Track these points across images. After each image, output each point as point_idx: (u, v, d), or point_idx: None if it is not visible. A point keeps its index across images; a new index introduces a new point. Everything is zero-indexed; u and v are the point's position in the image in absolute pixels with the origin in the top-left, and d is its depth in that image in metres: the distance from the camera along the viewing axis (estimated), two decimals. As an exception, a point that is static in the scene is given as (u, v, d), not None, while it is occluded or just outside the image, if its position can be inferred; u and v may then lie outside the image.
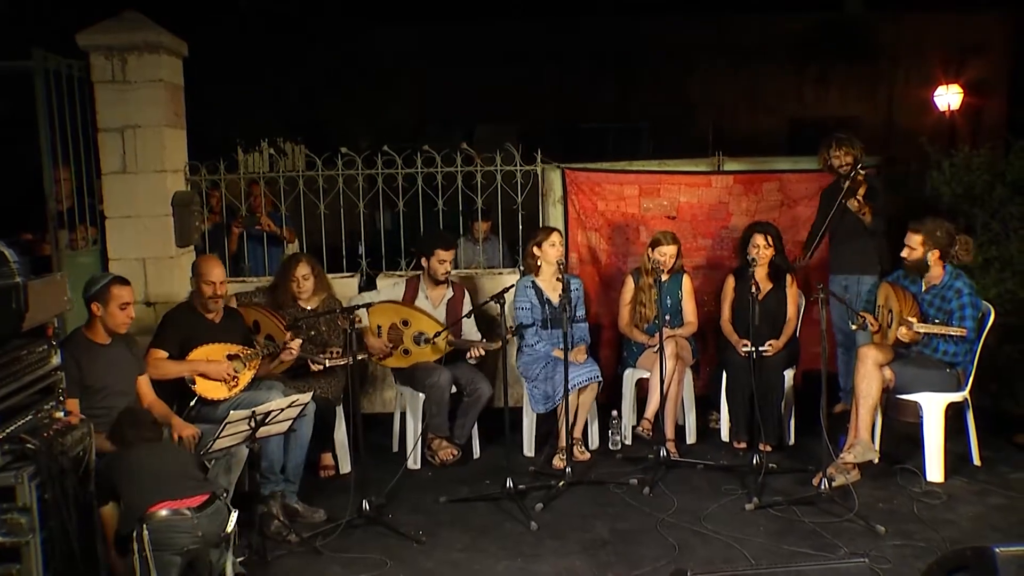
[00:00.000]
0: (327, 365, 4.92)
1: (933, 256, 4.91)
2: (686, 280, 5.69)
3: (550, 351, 5.43)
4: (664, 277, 5.36)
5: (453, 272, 5.67)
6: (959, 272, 4.96)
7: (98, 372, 4.04)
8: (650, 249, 5.56)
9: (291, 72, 13.72)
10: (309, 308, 5.25)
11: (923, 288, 5.00)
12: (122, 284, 4.14)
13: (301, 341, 4.82)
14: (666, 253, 5.46)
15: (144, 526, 3.23)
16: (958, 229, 5.17)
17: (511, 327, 5.24)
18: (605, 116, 15.58)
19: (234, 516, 3.43)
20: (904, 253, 5.01)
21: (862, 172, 5.52)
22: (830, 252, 5.93)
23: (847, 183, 5.51)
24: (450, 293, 5.56)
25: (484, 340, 5.47)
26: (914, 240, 4.95)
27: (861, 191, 5.51)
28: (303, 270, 5.21)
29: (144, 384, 4.31)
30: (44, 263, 5.30)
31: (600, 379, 5.31)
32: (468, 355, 5.31)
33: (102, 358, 4.08)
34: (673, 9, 15.46)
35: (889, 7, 15.63)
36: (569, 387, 5.05)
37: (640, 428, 5.41)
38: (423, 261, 5.50)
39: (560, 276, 5.03)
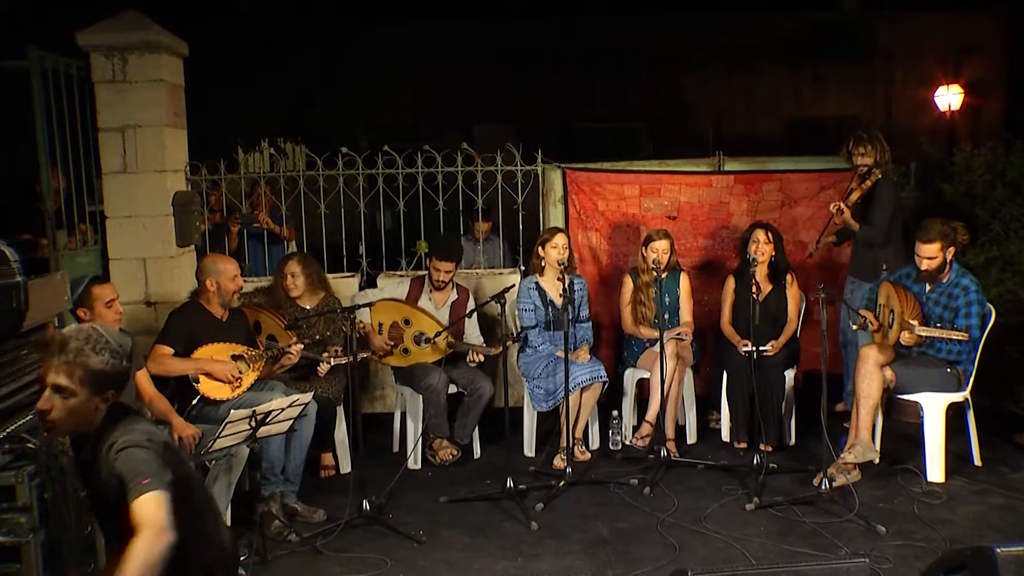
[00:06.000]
0: (332, 364, 4.92)
1: (950, 254, 4.91)
2: (684, 279, 5.67)
3: (553, 351, 5.42)
4: (663, 275, 5.34)
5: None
6: (965, 270, 4.97)
7: None
8: (644, 248, 5.56)
9: (291, 72, 13.73)
10: (308, 308, 5.25)
11: (927, 287, 4.99)
12: (102, 283, 4.15)
13: (303, 347, 4.81)
14: (658, 249, 5.45)
15: None
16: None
17: (511, 333, 5.22)
18: (602, 116, 15.59)
19: None
20: (924, 265, 4.88)
21: (872, 178, 5.44)
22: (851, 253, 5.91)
23: (852, 183, 5.48)
24: (454, 296, 5.55)
25: (484, 344, 5.46)
26: (932, 249, 4.84)
27: (854, 196, 5.46)
28: (293, 267, 5.24)
29: (143, 379, 4.30)
30: (42, 264, 5.27)
31: (605, 379, 5.28)
32: (468, 358, 5.31)
33: None
34: (671, 9, 15.48)
35: (886, 7, 15.65)
36: (573, 386, 5.05)
37: (635, 439, 5.41)
38: (427, 260, 5.49)
39: (562, 276, 5.01)
